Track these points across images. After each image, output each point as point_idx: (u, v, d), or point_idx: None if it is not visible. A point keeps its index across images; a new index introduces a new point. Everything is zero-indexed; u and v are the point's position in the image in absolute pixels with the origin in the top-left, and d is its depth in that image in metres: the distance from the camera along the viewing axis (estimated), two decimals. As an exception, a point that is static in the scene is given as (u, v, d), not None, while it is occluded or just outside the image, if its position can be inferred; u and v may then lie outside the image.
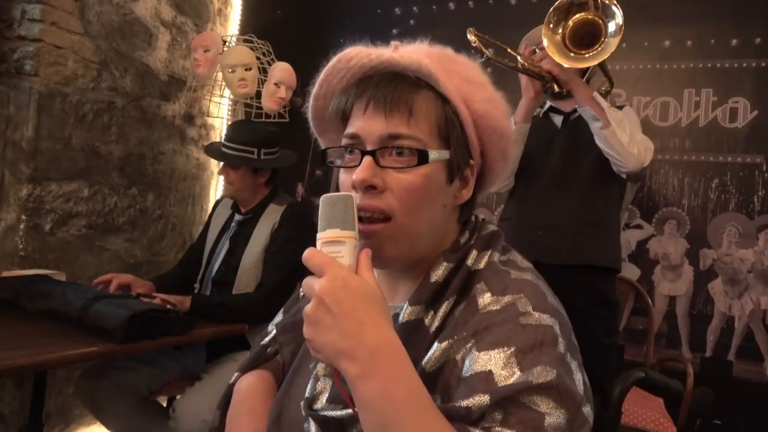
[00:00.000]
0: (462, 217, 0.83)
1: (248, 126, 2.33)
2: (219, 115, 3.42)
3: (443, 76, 0.77)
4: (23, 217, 2.36)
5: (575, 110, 2.12)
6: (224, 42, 3.03)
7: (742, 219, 2.51)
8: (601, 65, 2.21)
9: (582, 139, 2.06)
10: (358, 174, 0.73)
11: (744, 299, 2.48)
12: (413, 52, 0.79)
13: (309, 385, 0.82)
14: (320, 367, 0.82)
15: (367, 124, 0.75)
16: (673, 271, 2.60)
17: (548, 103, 2.27)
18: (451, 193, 0.79)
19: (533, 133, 2.16)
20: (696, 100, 2.61)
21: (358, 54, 0.78)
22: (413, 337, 0.73)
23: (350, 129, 0.77)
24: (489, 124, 0.80)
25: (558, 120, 2.21)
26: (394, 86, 0.75)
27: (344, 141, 0.78)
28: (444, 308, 0.75)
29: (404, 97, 0.75)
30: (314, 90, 0.83)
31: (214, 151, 2.33)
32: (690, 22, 2.64)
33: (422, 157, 0.74)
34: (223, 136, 2.29)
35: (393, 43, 0.81)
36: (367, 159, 0.74)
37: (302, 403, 0.80)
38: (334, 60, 0.80)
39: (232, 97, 3.12)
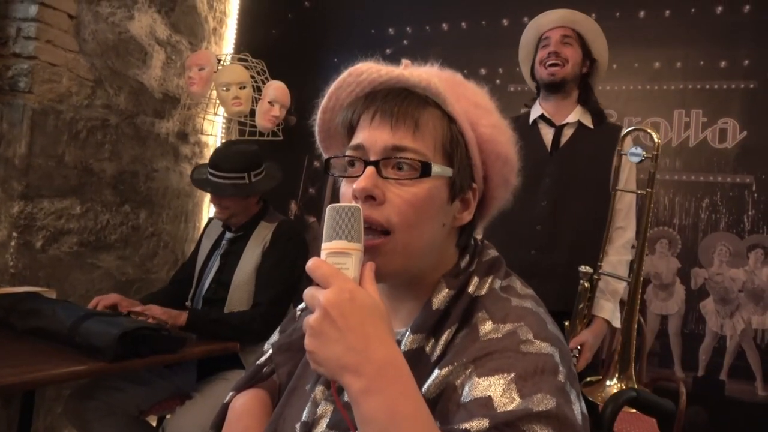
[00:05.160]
0: (461, 241, 0.83)
1: (233, 150, 2.20)
2: (213, 133, 3.43)
3: (451, 97, 0.77)
4: (14, 234, 2.35)
5: (566, 123, 1.96)
6: (219, 60, 3.06)
7: (733, 238, 2.53)
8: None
9: (576, 173, 1.91)
10: (359, 183, 0.72)
11: (735, 318, 2.49)
12: (423, 72, 0.80)
13: (307, 409, 0.80)
14: (318, 391, 0.81)
15: (372, 135, 0.75)
16: (664, 290, 2.61)
17: (538, 106, 2.04)
18: (451, 213, 0.79)
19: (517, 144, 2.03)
20: (686, 121, 2.65)
21: (368, 69, 0.78)
22: (414, 365, 0.72)
23: (355, 140, 0.77)
24: (494, 149, 0.80)
25: (548, 135, 1.98)
26: (401, 100, 0.75)
27: (348, 152, 0.78)
28: (446, 336, 0.74)
29: (411, 111, 0.75)
30: (323, 102, 0.83)
31: (202, 180, 2.23)
32: (680, 43, 2.68)
33: (425, 170, 0.73)
34: (209, 163, 2.20)
35: (404, 61, 0.81)
36: (369, 169, 0.73)
37: (298, 426, 0.79)
38: (344, 74, 0.80)
39: (226, 115, 3.14)
